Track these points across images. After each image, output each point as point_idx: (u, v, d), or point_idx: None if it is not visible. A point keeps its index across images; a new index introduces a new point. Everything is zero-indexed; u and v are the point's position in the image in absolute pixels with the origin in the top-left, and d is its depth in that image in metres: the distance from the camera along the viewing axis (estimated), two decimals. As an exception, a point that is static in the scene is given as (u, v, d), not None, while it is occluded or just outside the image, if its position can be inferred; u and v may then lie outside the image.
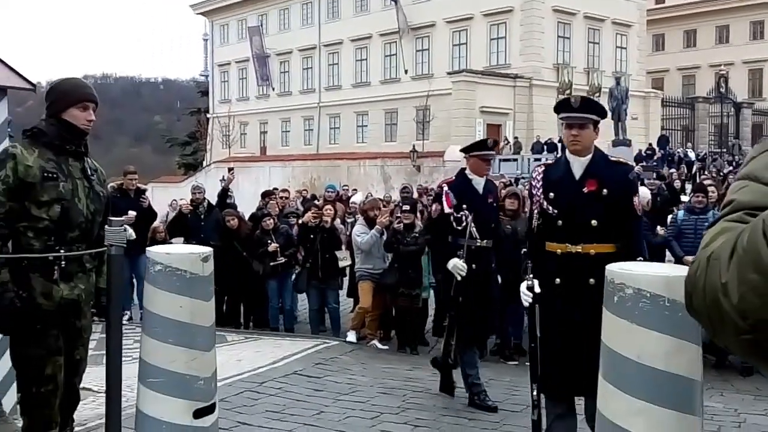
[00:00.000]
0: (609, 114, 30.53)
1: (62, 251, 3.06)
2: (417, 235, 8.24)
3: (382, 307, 8.35)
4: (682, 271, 1.80)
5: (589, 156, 3.85)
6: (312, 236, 9.00)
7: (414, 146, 32.62)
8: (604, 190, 3.74)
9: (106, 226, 2.77)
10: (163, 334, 2.43)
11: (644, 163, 21.58)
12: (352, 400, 5.35)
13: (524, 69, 33.71)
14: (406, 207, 8.44)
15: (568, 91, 34.16)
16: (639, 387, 1.77)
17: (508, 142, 31.32)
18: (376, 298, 8.22)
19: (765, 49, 45.67)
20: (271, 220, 9.36)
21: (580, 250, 3.71)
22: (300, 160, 39.37)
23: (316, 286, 9.04)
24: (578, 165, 3.85)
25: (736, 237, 0.91)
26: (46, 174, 3.05)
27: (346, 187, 17.25)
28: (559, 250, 3.77)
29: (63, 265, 3.08)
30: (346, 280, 9.66)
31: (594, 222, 3.72)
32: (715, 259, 0.93)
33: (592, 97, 4.19)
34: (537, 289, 3.84)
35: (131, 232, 2.77)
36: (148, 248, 2.57)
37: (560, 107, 3.99)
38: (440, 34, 37.83)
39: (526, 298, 3.85)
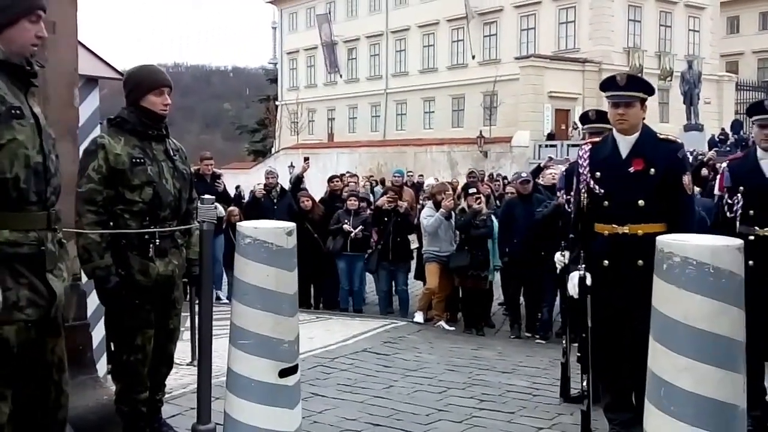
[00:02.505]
0: (681, 98, 29.71)
1: (157, 230, 3.32)
2: (484, 218, 8.40)
3: (448, 288, 8.54)
4: (726, 241, 1.96)
5: (636, 134, 3.79)
6: (386, 219, 9.26)
7: (481, 132, 32.56)
8: (652, 170, 3.69)
9: (198, 204, 3.01)
10: (251, 300, 2.67)
11: (717, 148, 21.04)
12: (420, 376, 5.54)
13: (593, 53, 33.18)
14: (473, 190, 8.58)
15: (639, 75, 33.48)
16: (685, 346, 1.93)
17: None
18: (442, 279, 8.41)
19: None
20: (356, 201, 9.65)
21: (627, 231, 3.67)
22: (367, 146, 39.73)
23: (386, 267, 9.31)
24: (625, 144, 3.81)
25: None
26: (134, 160, 3.28)
27: (411, 173, 17.41)
28: (606, 231, 3.75)
29: (157, 243, 3.33)
30: (413, 263, 9.89)
31: (641, 202, 3.68)
32: None
33: (638, 75, 4.13)
34: (589, 281, 3.78)
35: (221, 209, 3.04)
36: (239, 224, 2.81)
37: (606, 85, 3.93)
38: (508, 19, 37.51)
39: (574, 289, 3.83)
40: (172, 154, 3.48)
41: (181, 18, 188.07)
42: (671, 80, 34.08)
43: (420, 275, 9.30)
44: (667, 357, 1.96)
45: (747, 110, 4.38)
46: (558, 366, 5.84)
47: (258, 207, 9.66)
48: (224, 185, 9.40)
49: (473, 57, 38.72)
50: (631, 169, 3.75)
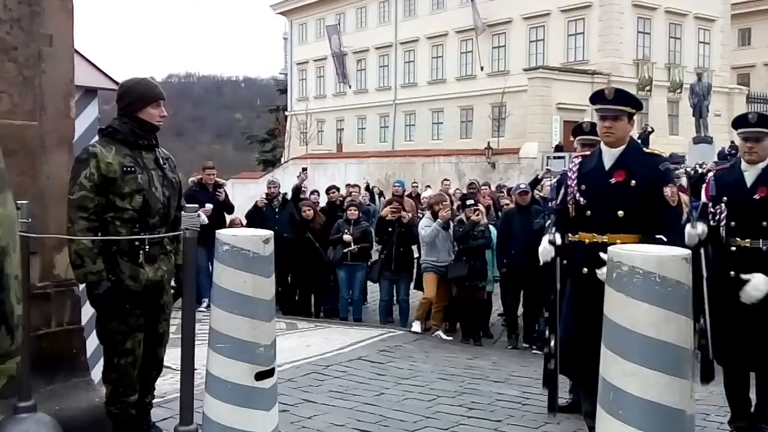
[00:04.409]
0: (691, 111, 29.57)
1: (146, 237, 3.42)
2: (483, 229, 8.48)
3: (447, 298, 8.60)
4: (673, 251, 2.03)
5: (622, 147, 3.88)
6: (390, 230, 9.34)
7: (489, 143, 32.59)
8: (633, 181, 3.76)
9: (182, 212, 3.11)
10: (229, 305, 2.76)
11: (727, 161, 20.99)
12: (412, 384, 5.61)
13: (603, 65, 33.14)
14: (471, 201, 8.65)
15: (648, 88, 33.48)
16: (632, 352, 2.00)
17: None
18: (440, 289, 8.48)
19: None
20: (356, 211, 9.75)
21: (606, 240, 3.73)
22: (375, 156, 39.80)
23: (389, 277, 9.38)
24: (609, 156, 3.89)
25: None
26: (125, 168, 3.39)
27: (416, 184, 17.49)
28: (586, 240, 3.85)
29: (147, 249, 3.44)
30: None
31: (620, 213, 3.75)
32: None
33: (626, 90, 4.23)
34: (558, 241, 3.98)
35: (204, 218, 3.12)
36: (218, 231, 2.89)
37: (595, 99, 4.03)
38: (517, 31, 37.57)
39: (546, 252, 4.02)
40: (161, 162, 3.59)
41: (192, 29, 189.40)
42: (681, 92, 34.01)
43: (420, 285, 9.38)
44: (616, 363, 2.03)
45: (732, 123, 4.45)
46: (550, 376, 5.91)
47: (260, 216, 9.77)
48: (226, 194, 9.52)
49: (482, 68, 38.79)
50: (613, 180, 3.84)
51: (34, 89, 3.68)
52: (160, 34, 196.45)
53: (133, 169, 3.42)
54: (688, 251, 2.04)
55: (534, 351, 7.92)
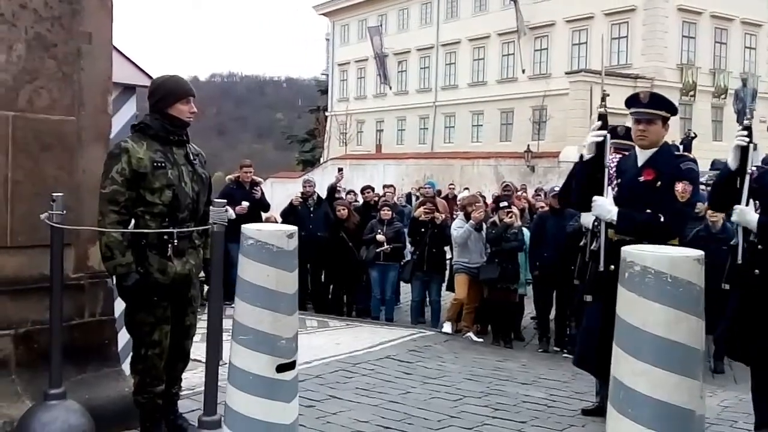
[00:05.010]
0: (734, 116, 29.08)
1: (175, 230, 3.50)
2: (516, 231, 8.46)
3: (478, 300, 8.60)
4: (685, 252, 2.04)
5: (654, 150, 3.98)
6: (423, 230, 9.37)
7: (528, 146, 32.37)
8: (659, 182, 3.86)
9: (211, 207, 3.18)
10: (252, 298, 2.82)
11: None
12: (439, 384, 5.63)
13: (646, 69, 32.68)
14: (505, 204, 8.63)
15: (692, 93, 32.93)
16: (643, 351, 2.01)
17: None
18: (471, 291, 8.48)
19: None
20: (390, 211, 9.81)
21: (633, 237, 3.79)
22: (414, 158, 39.80)
23: (421, 278, 9.40)
24: (642, 156, 4.03)
25: None
26: (155, 164, 3.47)
27: (453, 186, 17.46)
28: (614, 238, 3.91)
29: (175, 244, 3.52)
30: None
31: (648, 211, 3.84)
32: None
33: (661, 94, 4.29)
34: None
35: (231, 213, 3.18)
36: (243, 226, 2.96)
37: (630, 102, 4.11)
38: (559, 34, 37.25)
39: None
40: (192, 158, 3.67)
41: (236, 29, 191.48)
42: (726, 98, 33.40)
43: (452, 286, 9.38)
44: (626, 362, 2.05)
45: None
46: (578, 379, 5.89)
47: (295, 214, 9.88)
48: (262, 192, 9.63)
49: (523, 71, 38.53)
50: (641, 179, 3.95)
51: (73, 85, 3.78)
52: (205, 34, 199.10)
53: (163, 164, 3.49)
54: (701, 252, 2.06)
55: (564, 355, 7.88)
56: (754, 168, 4.87)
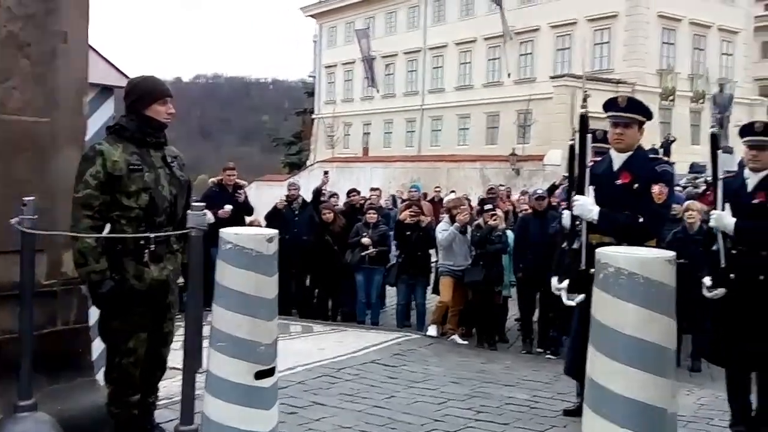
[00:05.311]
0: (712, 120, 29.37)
1: (151, 235, 3.40)
2: (500, 234, 8.45)
3: (463, 303, 8.58)
4: (657, 253, 2.06)
5: (630, 153, 4.01)
6: (408, 233, 9.33)
7: (513, 149, 32.48)
8: (636, 184, 3.90)
9: (189, 211, 3.10)
10: (230, 303, 2.77)
11: (743, 168, 20.66)
12: (423, 388, 5.59)
13: (627, 74, 32.99)
14: (489, 206, 8.63)
15: (671, 97, 33.25)
16: (617, 351, 2.04)
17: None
18: (456, 293, 8.46)
19: None
20: (375, 214, 9.77)
21: (612, 241, 3.84)
22: (401, 161, 39.82)
23: (406, 281, 9.37)
24: (618, 160, 4.08)
25: None
26: (131, 166, 3.38)
27: (438, 189, 17.46)
28: (595, 241, 3.92)
29: (152, 249, 3.42)
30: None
31: (626, 213, 3.88)
32: None
33: (638, 98, 4.35)
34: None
35: (210, 216, 3.12)
36: (221, 230, 2.90)
37: (608, 106, 4.15)
38: (544, 39, 37.48)
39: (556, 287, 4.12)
40: (169, 161, 3.58)
41: (222, 30, 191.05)
42: (703, 103, 33.80)
43: (437, 289, 9.36)
44: (601, 362, 2.07)
45: (739, 131, 4.50)
46: (561, 380, 5.88)
47: (279, 218, 9.82)
48: (245, 195, 9.54)
49: (509, 75, 38.72)
50: (619, 182, 4.00)
51: (47, 86, 3.70)
52: (189, 35, 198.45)
53: (140, 167, 3.42)
54: (673, 253, 2.07)
55: (547, 356, 7.90)
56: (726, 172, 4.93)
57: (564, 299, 4.15)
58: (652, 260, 2.03)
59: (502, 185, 16.31)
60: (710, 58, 35.76)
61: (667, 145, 24.05)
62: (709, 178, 15.72)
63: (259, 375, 2.78)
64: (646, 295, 2.00)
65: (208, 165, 46.56)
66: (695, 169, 23.97)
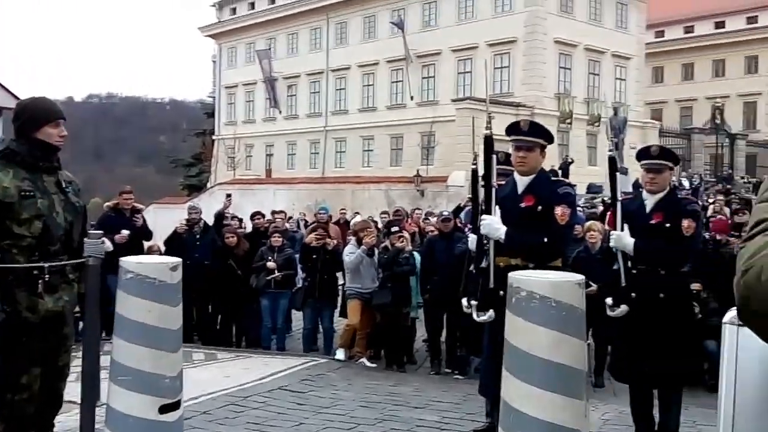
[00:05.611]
0: (609, 143, 30.89)
1: (45, 265, 3.22)
2: (407, 255, 8.49)
3: (371, 325, 8.56)
4: (566, 277, 2.09)
5: (533, 176, 4.09)
6: (314, 256, 9.23)
7: (418, 171, 32.92)
8: (539, 207, 3.97)
9: (86, 239, 2.96)
10: (132, 335, 2.65)
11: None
12: (333, 413, 5.52)
13: (527, 98, 34.10)
14: (396, 228, 8.67)
15: (568, 120, 34.59)
16: (530, 374, 2.05)
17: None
18: (364, 316, 8.43)
19: (759, 83, 47.23)
20: (280, 238, 9.62)
21: (518, 263, 3.88)
22: (305, 183, 39.70)
23: (312, 305, 9.25)
24: (522, 183, 4.13)
25: None
26: (23, 193, 3.21)
27: (344, 211, 17.45)
28: (501, 263, 3.97)
29: (47, 279, 3.23)
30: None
31: (531, 234, 3.93)
32: None
33: (540, 123, 4.46)
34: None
35: (109, 244, 2.98)
36: (121, 259, 2.78)
37: (510, 130, 4.22)
38: (445, 63, 38.32)
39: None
40: (64, 186, 3.41)
41: (117, 49, 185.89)
42: (599, 125, 35.30)
43: (344, 312, 9.30)
44: (515, 385, 2.08)
45: (636, 155, 4.68)
46: (470, 400, 5.93)
47: (180, 242, 9.54)
48: (143, 219, 9.22)
49: (412, 98, 39.31)
50: (523, 204, 4.03)
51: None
52: (81, 53, 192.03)
53: (32, 193, 3.24)
54: (582, 276, 2.10)
55: (456, 376, 7.96)
56: (623, 194, 5.13)
57: (474, 316, 4.18)
58: (563, 284, 2.05)
59: (401, 209, 16.27)
60: (605, 83, 37.41)
61: (565, 167, 24.89)
62: (607, 198, 16.47)
63: (164, 409, 2.67)
64: (557, 319, 2.02)
65: (101, 187, 45.03)
66: (593, 189, 24.98)
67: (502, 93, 35.57)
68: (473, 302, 4.13)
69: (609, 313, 4.41)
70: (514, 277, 2.12)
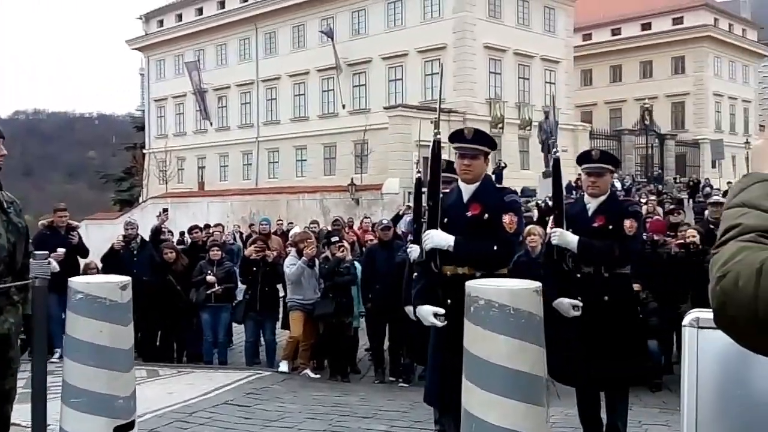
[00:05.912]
0: (539, 146, 31.54)
1: None
2: (348, 265, 8.53)
3: (314, 336, 8.56)
4: (525, 284, 2.14)
5: (478, 183, 4.11)
6: (254, 269, 9.17)
7: (352, 179, 32.97)
8: (486, 215, 3.98)
9: (31, 260, 2.91)
10: (84, 357, 2.63)
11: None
12: (280, 426, 5.51)
13: (458, 104, 34.49)
14: (336, 238, 8.70)
15: (500, 125, 35.15)
16: (491, 383, 2.08)
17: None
18: (307, 327, 8.43)
19: (686, 83, 48.49)
20: (219, 251, 9.52)
21: (466, 272, 3.89)
22: (239, 194, 39.29)
23: (254, 317, 9.19)
24: (467, 191, 4.11)
25: None
26: None
27: (281, 222, 17.37)
28: (448, 272, 3.99)
29: None
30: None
31: (480, 242, 3.93)
32: None
33: (483, 130, 4.49)
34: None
35: (55, 265, 2.94)
36: (70, 279, 2.75)
37: (454, 138, 4.23)
38: (376, 70, 38.47)
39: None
40: (5, 206, 3.34)
41: (41, 64, 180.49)
42: (530, 129, 35.93)
43: (286, 324, 9.26)
44: (476, 394, 2.10)
45: (577, 159, 4.78)
46: (417, 408, 5.99)
47: (117, 259, 9.36)
48: (80, 237, 9.04)
49: (343, 106, 39.36)
50: (469, 213, 4.02)
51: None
52: (5, 69, 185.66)
53: None
54: (539, 284, 2.14)
55: (401, 384, 8.02)
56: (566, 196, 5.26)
57: (432, 320, 4.16)
58: (520, 291, 2.09)
59: (339, 218, 16.40)
60: (534, 87, 38.13)
61: (498, 172, 25.24)
62: (541, 202, 16.77)
63: (119, 430, 2.65)
64: (516, 326, 2.06)
65: (31, 204, 43.59)
66: (526, 193, 25.45)
67: (433, 99, 35.87)
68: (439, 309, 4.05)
69: (573, 313, 4.43)
70: (472, 286, 2.14)
